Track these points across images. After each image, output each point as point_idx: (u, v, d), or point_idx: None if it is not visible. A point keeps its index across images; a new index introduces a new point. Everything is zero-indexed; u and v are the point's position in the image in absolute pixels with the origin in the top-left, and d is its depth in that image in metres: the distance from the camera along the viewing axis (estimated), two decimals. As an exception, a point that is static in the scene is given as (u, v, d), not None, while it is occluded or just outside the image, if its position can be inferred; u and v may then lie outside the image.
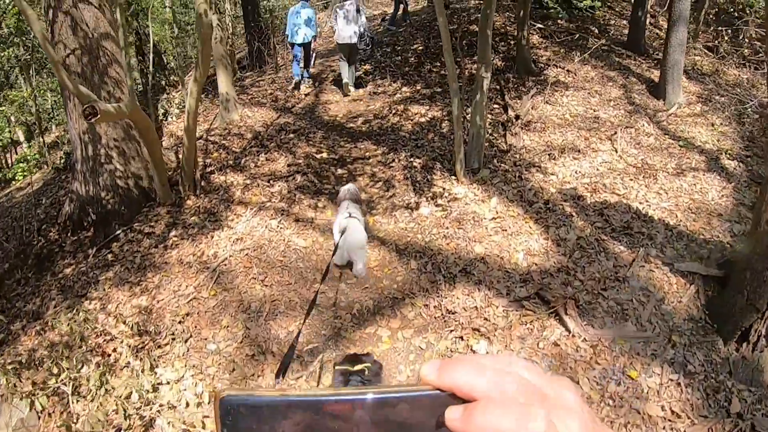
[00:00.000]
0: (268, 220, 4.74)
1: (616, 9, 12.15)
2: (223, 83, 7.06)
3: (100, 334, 3.95)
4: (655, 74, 8.26)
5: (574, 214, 4.77)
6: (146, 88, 7.08)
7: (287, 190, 5.24)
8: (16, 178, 8.22)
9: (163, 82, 8.59)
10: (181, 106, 7.43)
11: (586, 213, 4.81)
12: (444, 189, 5.06)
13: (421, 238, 4.50)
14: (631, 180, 5.37)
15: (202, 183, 5.41)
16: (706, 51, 9.63)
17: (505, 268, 4.10)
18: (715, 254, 4.46)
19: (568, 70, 8.17)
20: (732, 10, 11.56)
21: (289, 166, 5.69)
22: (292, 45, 8.08)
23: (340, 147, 6.18)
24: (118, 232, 5.04)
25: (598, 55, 8.28)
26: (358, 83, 8.11)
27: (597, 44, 7.62)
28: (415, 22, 10.17)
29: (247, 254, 4.31)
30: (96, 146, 5.21)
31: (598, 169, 5.50)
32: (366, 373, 2.14)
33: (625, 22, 11.22)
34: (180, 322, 3.82)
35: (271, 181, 5.38)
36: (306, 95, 7.82)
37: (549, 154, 5.66)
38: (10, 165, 10.43)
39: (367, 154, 6.02)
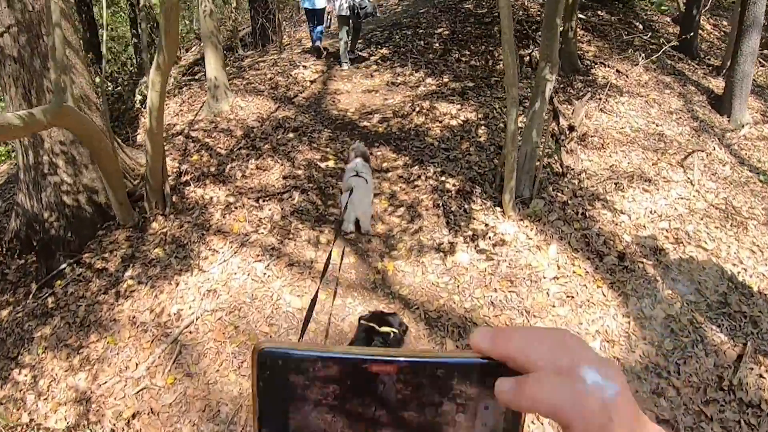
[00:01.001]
0: (252, 262, 3.48)
1: None
2: (212, 66, 5.68)
3: (26, 428, 2.84)
4: (714, 83, 7.26)
5: (658, 277, 3.62)
6: (99, 68, 5.68)
7: (280, 214, 3.98)
8: (-10, 163, 6.88)
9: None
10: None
11: (672, 277, 3.66)
12: (487, 226, 3.85)
13: (460, 303, 3.31)
14: (717, 228, 4.26)
15: (174, 198, 4.14)
16: (761, 60, 8.49)
17: (579, 364, 2.96)
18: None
19: (618, 71, 6.97)
20: (788, 14, 10.40)
21: (285, 178, 4.41)
22: (306, 11, 7.23)
23: (350, 153, 4.90)
24: (63, 266, 3.82)
25: (649, 55, 7.09)
26: (356, 58, 7.18)
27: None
28: (439, 3, 8.78)
29: (220, 319, 3.09)
30: (38, 152, 3.96)
31: (675, 209, 4.36)
32: (391, 337, 2.05)
33: (668, 19, 10.00)
34: (123, 429, 2.64)
35: (260, 201, 4.12)
36: (312, 82, 6.47)
37: (615, 183, 4.48)
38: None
39: (384, 164, 4.75)
